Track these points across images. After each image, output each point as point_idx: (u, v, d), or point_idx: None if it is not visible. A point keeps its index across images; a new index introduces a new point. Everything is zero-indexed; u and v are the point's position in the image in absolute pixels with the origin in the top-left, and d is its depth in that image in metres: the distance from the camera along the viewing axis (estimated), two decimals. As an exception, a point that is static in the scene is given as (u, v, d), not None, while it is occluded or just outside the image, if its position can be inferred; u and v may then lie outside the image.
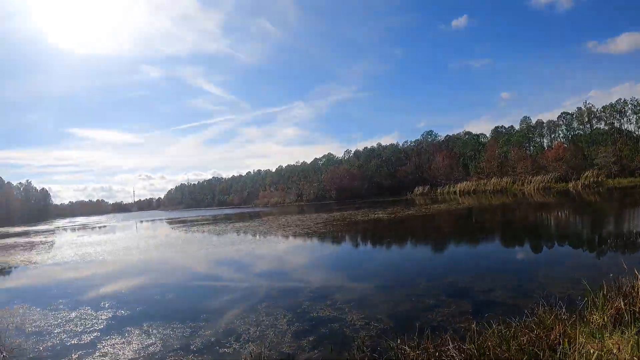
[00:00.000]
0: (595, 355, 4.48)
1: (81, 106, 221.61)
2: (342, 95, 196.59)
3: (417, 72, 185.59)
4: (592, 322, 5.61)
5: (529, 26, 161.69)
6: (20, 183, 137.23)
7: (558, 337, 5.15)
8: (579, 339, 4.87)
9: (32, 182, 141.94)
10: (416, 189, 72.02)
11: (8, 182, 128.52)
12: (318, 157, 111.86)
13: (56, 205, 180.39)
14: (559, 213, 25.19)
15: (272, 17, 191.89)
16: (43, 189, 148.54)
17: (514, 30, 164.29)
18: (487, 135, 79.65)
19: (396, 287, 9.91)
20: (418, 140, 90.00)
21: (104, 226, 63.23)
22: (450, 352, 5.18)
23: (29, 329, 8.85)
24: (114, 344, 7.42)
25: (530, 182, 50.92)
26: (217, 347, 6.87)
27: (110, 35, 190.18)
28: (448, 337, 5.56)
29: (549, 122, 69.23)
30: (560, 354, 4.71)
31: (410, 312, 7.79)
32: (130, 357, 6.73)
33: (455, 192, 61.18)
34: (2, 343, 7.84)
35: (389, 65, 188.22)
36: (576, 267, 9.89)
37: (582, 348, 4.69)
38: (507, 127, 76.30)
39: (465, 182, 63.03)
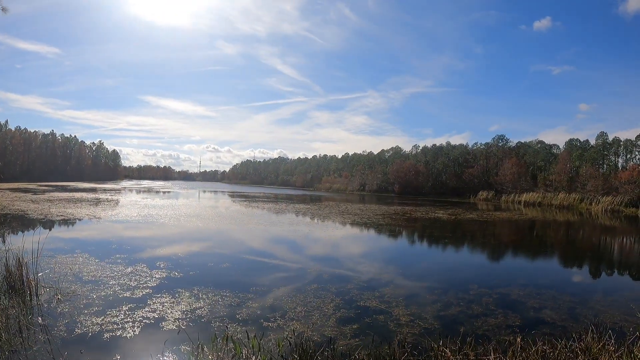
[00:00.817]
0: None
1: (157, 75, 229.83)
2: (417, 88, 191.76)
3: (495, 72, 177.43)
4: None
5: (614, 35, 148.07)
6: (93, 143, 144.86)
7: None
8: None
9: (104, 143, 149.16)
10: (480, 193, 69.84)
11: (82, 141, 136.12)
12: (385, 149, 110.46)
13: (125, 167, 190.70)
14: (625, 240, 23.81)
15: (352, 2, 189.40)
16: (114, 150, 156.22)
17: (599, 38, 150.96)
18: (560, 147, 76.10)
19: (446, 290, 9.89)
20: (488, 143, 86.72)
21: (168, 192, 66.37)
22: (490, 363, 5.20)
23: (86, 277, 9.68)
24: (163, 302, 7.98)
25: (599, 203, 48.04)
26: (262, 320, 7.20)
27: (189, 10, 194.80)
28: (491, 348, 5.57)
29: (627, 141, 64.97)
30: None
31: (456, 317, 7.81)
32: (177, 317, 7.19)
33: (519, 202, 58.75)
34: (59, 287, 8.63)
35: (468, 63, 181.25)
36: (633, 299, 9.39)
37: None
38: (582, 140, 72.47)
39: (531, 193, 60.19)
